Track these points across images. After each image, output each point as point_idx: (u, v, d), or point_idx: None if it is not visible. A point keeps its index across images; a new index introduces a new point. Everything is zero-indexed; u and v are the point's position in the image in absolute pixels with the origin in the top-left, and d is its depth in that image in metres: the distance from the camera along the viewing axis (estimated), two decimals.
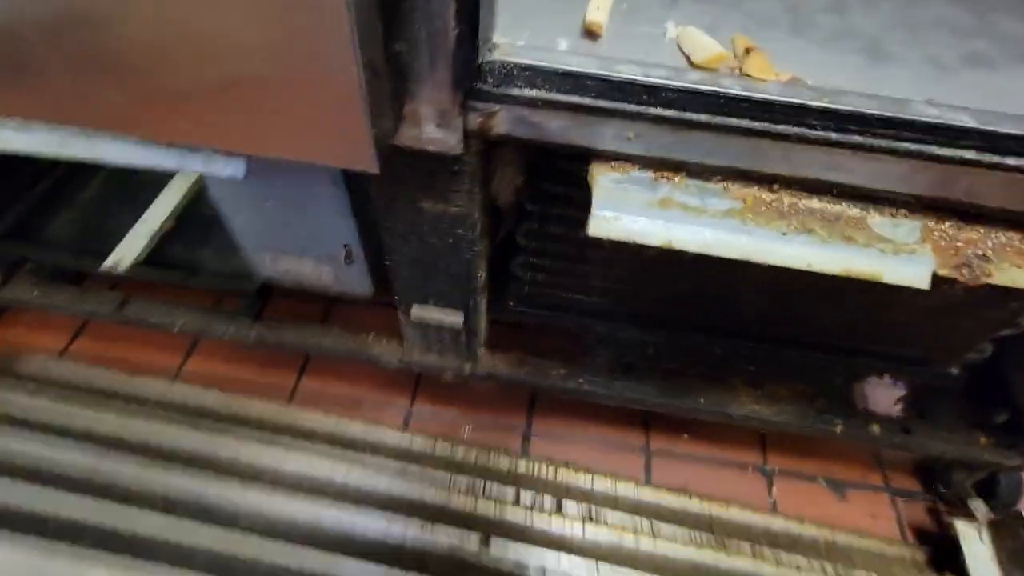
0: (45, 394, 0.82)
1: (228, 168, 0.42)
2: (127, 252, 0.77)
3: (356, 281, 0.72)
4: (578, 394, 0.75)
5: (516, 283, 0.75)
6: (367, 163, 0.37)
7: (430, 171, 0.46)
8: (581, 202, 0.51)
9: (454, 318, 0.65)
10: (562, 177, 0.53)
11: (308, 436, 0.81)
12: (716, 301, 0.69)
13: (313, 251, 0.66)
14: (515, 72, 0.38)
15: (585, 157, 0.44)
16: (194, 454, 0.77)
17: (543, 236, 0.64)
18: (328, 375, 0.92)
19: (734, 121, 0.39)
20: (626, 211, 0.42)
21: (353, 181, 0.55)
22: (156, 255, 0.78)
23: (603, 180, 0.43)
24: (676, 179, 0.43)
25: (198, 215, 0.84)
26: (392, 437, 0.83)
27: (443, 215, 0.51)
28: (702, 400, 0.74)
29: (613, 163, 0.43)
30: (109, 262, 0.75)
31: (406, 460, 0.79)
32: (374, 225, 0.57)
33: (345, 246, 0.63)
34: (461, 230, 0.52)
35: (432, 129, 0.41)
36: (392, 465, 0.78)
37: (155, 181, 0.87)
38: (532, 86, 0.38)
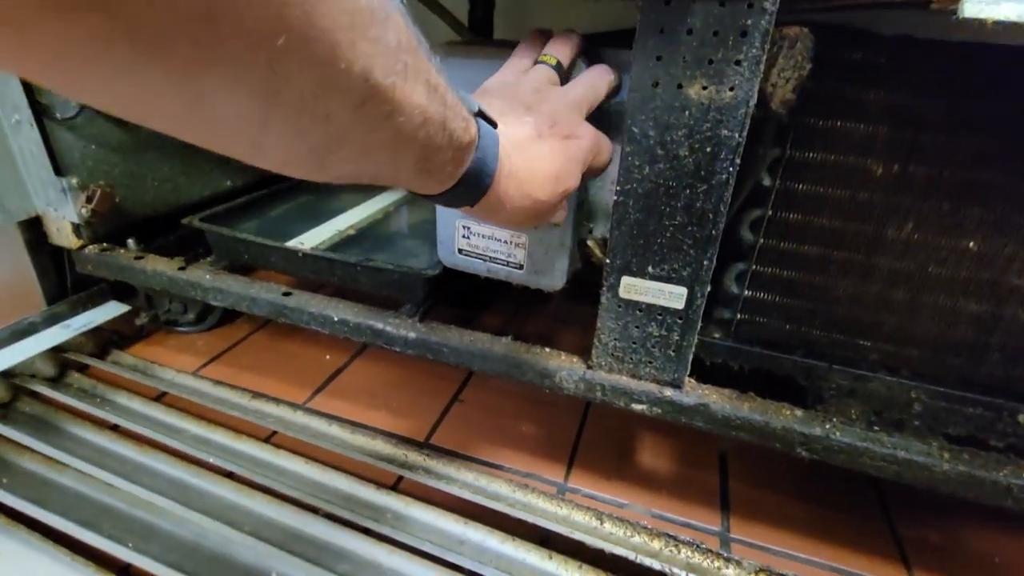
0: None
1: None
2: (310, 240, 0.75)
3: (551, 264, 0.63)
4: (826, 452, 0.54)
5: (727, 306, 0.62)
6: None
7: (714, 32, 0.42)
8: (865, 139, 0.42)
9: (676, 295, 0.53)
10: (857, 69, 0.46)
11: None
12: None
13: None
14: None
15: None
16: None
17: (793, 203, 0.54)
18: (481, 410, 0.77)
19: None
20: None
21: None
22: (335, 249, 0.75)
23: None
24: None
25: (379, 232, 0.83)
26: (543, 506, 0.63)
27: (710, 106, 0.44)
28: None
29: None
30: (293, 242, 0.73)
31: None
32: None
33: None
34: (727, 131, 0.45)
35: None
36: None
37: (340, 208, 0.90)
38: None
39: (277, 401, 0.77)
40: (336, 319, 0.68)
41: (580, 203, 0.59)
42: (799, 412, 0.56)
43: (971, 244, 0.52)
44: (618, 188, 0.50)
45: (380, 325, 0.67)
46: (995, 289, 0.52)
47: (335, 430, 0.72)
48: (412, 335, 0.66)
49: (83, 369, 0.81)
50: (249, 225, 0.83)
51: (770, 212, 0.56)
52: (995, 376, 0.55)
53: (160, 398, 0.77)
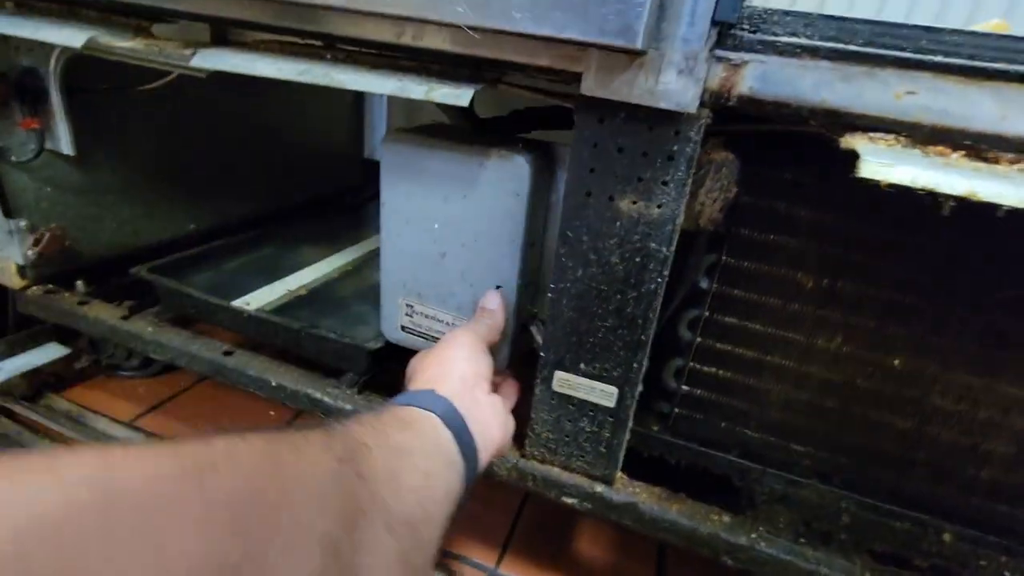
0: None
1: (455, 95, 0.41)
2: (257, 300, 0.74)
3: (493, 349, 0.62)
4: (751, 562, 0.53)
5: (665, 400, 0.62)
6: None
7: (643, 153, 0.43)
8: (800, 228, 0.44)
9: (607, 394, 0.53)
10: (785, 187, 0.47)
11: None
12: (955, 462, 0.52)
13: (457, 298, 0.60)
14: (772, 16, 0.37)
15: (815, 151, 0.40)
16: None
17: (729, 306, 0.55)
18: None
19: None
20: (903, 161, 0.34)
21: (535, 197, 0.53)
22: (282, 311, 0.74)
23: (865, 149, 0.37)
24: (954, 157, 0.36)
25: (332, 294, 0.83)
26: None
27: (639, 220, 0.45)
28: None
29: (872, 135, 0.37)
30: (239, 302, 0.72)
31: None
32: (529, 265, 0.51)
33: (498, 287, 0.57)
34: (655, 244, 0.46)
35: (672, 79, 0.39)
36: None
37: (301, 263, 0.90)
38: (790, 32, 0.37)
39: None
40: (274, 384, 0.67)
41: (525, 286, 0.59)
42: (727, 518, 0.55)
43: (896, 362, 0.53)
44: (552, 286, 0.51)
45: (318, 394, 0.66)
46: (919, 407, 0.53)
47: None
48: (349, 407, 0.65)
49: (11, 415, 0.78)
50: (201, 278, 0.82)
51: (707, 313, 0.57)
52: (922, 492, 0.56)
53: None
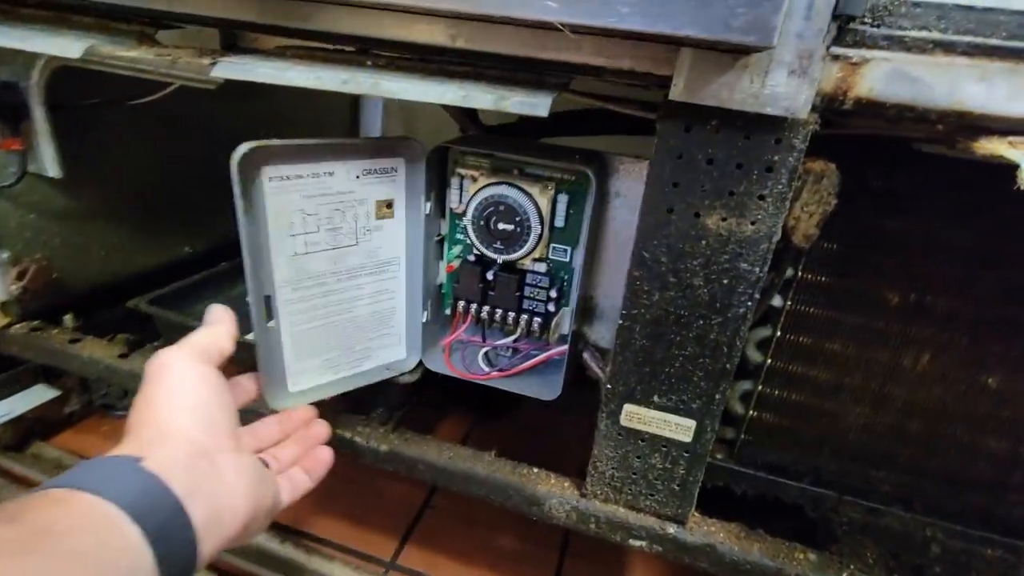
0: None
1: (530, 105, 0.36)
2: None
3: (549, 376, 0.57)
4: None
5: (731, 426, 0.58)
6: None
7: (737, 164, 0.38)
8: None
9: (683, 428, 0.48)
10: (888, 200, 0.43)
11: None
12: None
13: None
14: (899, 8, 0.33)
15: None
16: None
17: (804, 325, 0.51)
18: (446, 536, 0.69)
19: None
20: None
21: (595, 212, 0.48)
22: None
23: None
24: None
25: None
26: None
27: (729, 238, 0.40)
28: None
29: (1012, 139, 0.33)
30: (251, 335, 0.65)
31: None
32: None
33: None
34: (746, 264, 0.41)
35: (781, 81, 0.34)
36: None
37: None
38: (920, 26, 0.33)
39: None
40: None
41: (578, 309, 0.55)
42: (813, 556, 0.51)
43: (990, 380, 0.49)
44: (623, 312, 0.46)
45: (347, 435, 0.60)
46: (1015, 427, 0.49)
47: (288, 549, 0.64)
48: (384, 448, 0.59)
49: None
50: (206, 307, 0.75)
51: (779, 333, 0.53)
52: (1015, 517, 0.52)
53: None
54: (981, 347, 0.48)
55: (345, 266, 0.53)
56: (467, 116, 0.68)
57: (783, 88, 0.34)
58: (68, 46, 0.44)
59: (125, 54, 0.45)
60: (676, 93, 0.37)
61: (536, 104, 0.36)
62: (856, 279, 0.49)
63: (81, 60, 0.45)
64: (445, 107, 0.66)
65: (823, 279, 0.50)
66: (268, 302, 0.52)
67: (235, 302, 0.80)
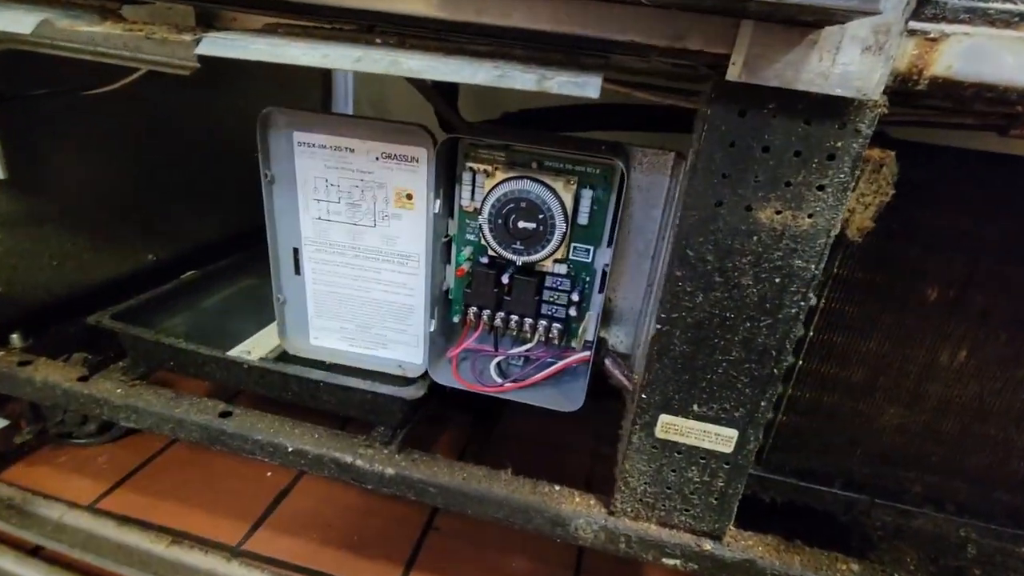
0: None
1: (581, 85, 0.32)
2: (259, 346, 0.61)
3: (571, 386, 0.53)
4: None
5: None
6: None
7: (795, 152, 0.35)
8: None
9: (724, 438, 0.45)
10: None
11: None
12: None
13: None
14: None
15: None
16: None
17: (838, 324, 0.48)
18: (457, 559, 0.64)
19: None
20: None
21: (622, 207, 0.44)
22: (284, 356, 0.62)
23: None
24: None
25: None
26: None
27: (783, 233, 0.37)
28: None
29: None
30: (238, 350, 0.59)
31: None
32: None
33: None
34: (801, 261, 0.38)
35: (854, 58, 0.31)
36: None
37: None
38: None
39: (205, 546, 0.61)
40: (291, 449, 0.55)
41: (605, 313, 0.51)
42: (856, 566, 0.48)
43: None
44: (662, 316, 0.42)
45: (349, 458, 0.54)
46: None
47: None
48: (390, 471, 0.53)
49: None
50: (177, 321, 0.68)
51: (811, 333, 0.50)
52: None
53: (37, 552, 0.59)
54: (1019, 342, 0.47)
55: (363, 244, 0.53)
56: (448, 104, 0.63)
57: (855, 67, 0.31)
58: (17, 20, 0.37)
59: (87, 30, 0.38)
60: (733, 73, 0.33)
61: (584, 84, 0.32)
62: (894, 276, 0.47)
63: (33, 38, 0.39)
64: (425, 95, 0.62)
65: (859, 275, 0.48)
66: (296, 255, 0.55)
67: (208, 314, 0.74)
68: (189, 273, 0.77)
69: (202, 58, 0.43)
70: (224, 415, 0.57)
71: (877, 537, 0.52)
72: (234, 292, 0.77)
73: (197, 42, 0.36)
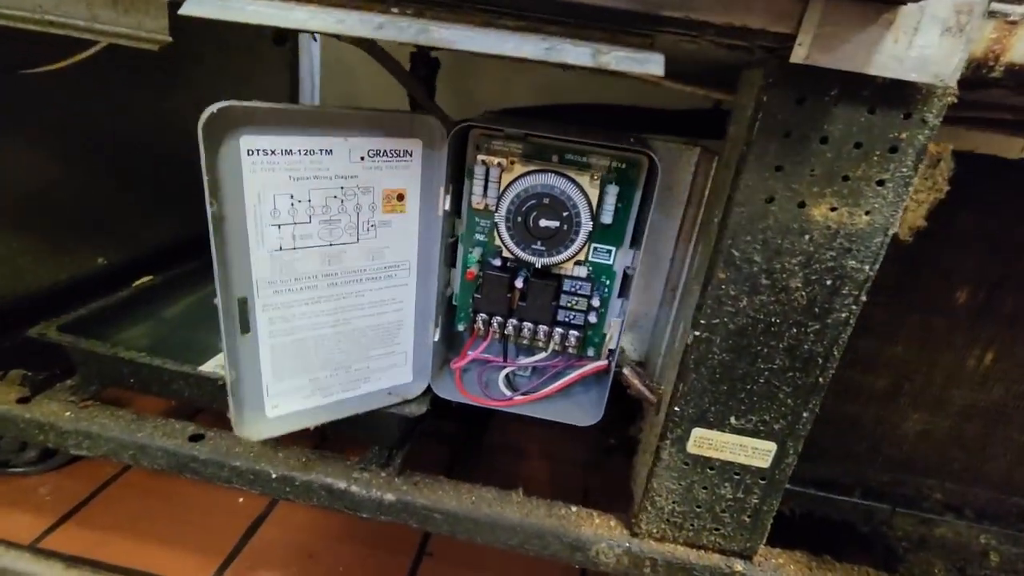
0: None
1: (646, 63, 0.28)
2: None
3: (590, 400, 0.49)
4: None
5: None
6: None
7: (856, 144, 0.32)
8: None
9: (761, 452, 0.42)
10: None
11: None
12: None
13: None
14: None
15: None
16: None
17: (859, 328, 0.46)
18: None
19: None
20: None
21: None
22: None
23: None
24: None
25: None
26: None
27: (837, 231, 0.35)
28: None
29: None
30: (211, 365, 0.53)
31: None
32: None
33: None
34: (855, 262, 0.35)
35: (933, 41, 0.29)
36: None
37: None
38: None
39: None
40: (275, 476, 0.49)
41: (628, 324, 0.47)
42: None
43: None
44: (700, 322, 0.39)
45: (342, 484, 0.48)
46: None
47: None
48: (389, 497, 0.48)
49: None
50: (134, 333, 0.60)
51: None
52: None
53: None
54: None
55: (342, 268, 0.43)
56: (428, 96, 0.59)
57: (933, 50, 0.29)
58: None
59: None
60: (799, 55, 0.30)
61: (645, 61, 0.28)
62: (922, 277, 0.46)
63: None
64: (405, 83, 0.56)
65: (887, 277, 0.46)
66: (243, 307, 0.40)
67: (169, 324, 0.66)
68: (146, 279, 0.69)
69: (176, 29, 0.38)
70: (195, 438, 0.50)
71: (903, 550, 0.51)
72: (198, 300, 0.70)
73: (174, 4, 0.31)
